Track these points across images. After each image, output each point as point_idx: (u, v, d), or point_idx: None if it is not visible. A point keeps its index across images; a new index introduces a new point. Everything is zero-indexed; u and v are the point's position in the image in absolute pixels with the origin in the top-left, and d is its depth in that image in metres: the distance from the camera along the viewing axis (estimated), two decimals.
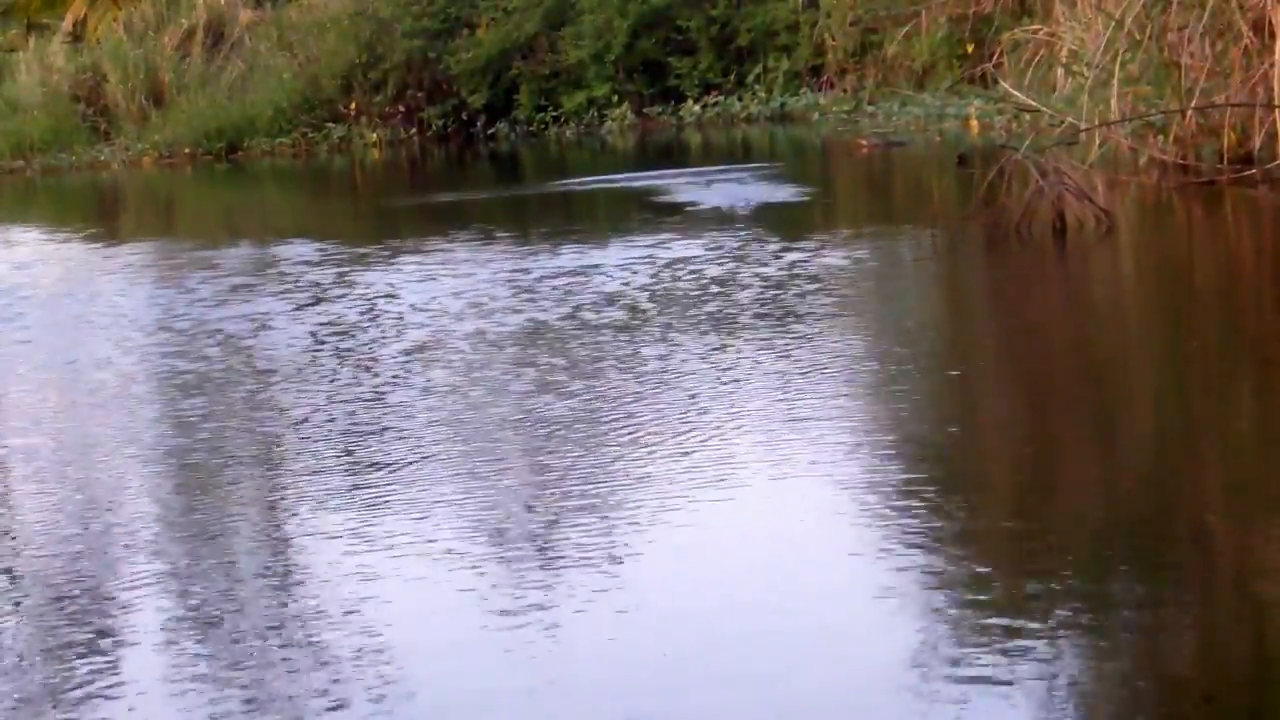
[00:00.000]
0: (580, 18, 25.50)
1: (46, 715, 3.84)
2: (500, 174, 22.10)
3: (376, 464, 5.84)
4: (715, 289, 9.13)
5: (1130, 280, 9.47)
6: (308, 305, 9.90)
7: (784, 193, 14.60)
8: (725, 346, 7.54)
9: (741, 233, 11.68)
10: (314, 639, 4.17)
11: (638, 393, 6.65)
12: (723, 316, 8.30)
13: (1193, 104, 12.48)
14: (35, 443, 6.86)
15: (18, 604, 4.65)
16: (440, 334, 8.49)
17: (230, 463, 6.18)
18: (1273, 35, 12.13)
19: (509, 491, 5.41)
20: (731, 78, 24.83)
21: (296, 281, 11.04)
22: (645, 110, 25.30)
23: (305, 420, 6.70)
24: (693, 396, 6.49)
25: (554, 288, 9.64)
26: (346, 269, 11.57)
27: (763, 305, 8.54)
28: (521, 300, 9.31)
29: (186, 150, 27.32)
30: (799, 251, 10.45)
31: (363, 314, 9.35)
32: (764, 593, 4.26)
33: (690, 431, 5.92)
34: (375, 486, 5.53)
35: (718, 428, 5.96)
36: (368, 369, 7.71)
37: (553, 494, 5.29)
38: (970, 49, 20.28)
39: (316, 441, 6.32)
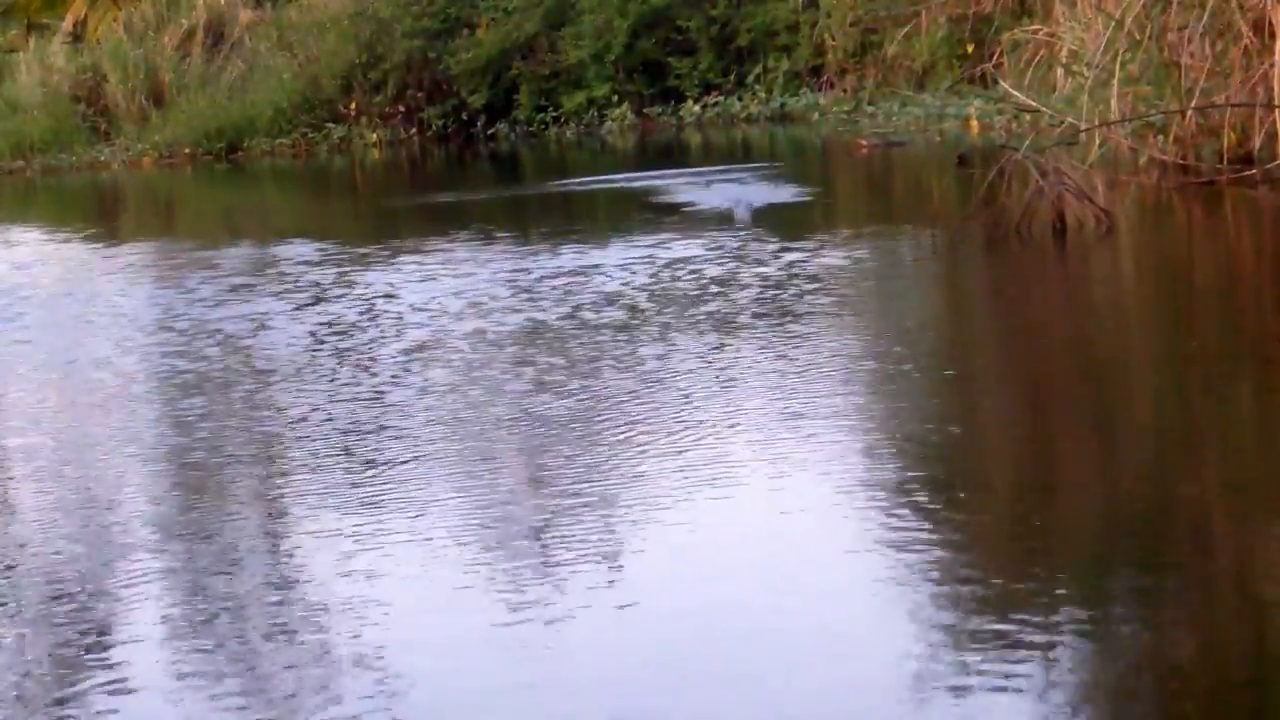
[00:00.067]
0: (580, 18, 25.50)
1: (46, 714, 3.84)
2: (500, 174, 22.10)
3: (375, 463, 5.84)
4: (715, 289, 9.13)
5: (1130, 280, 9.47)
6: (307, 305, 9.89)
7: (784, 193, 14.60)
8: (724, 346, 7.54)
9: (741, 233, 11.68)
10: (313, 637, 4.16)
11: (636, 392, 6.65)
12: (722, 316, 8.30)
13: (1193, 104, 12.48)
14: (35, 442, 6.86)
15: (17, 603, 4.64)
16: (440, 334, 8.48)
17: (230, 462, 6.18)
18: (1273, 35, 12.12)
19: (507, 490, 5.41)
20: (731, 78, 24.83)
21: (296, 281, 11.04)
22: (645, 110, 25.29)
23: (304, 419, 6.70)
24: (691, 396, 6.49)
25: (554, 288, 9.64)
26: (346, 269, 11.57)
27: (762, 305, 8.54)
28: (521, 300, 9.31)
29: (186, 150, 27.31)
30: (799, 251, 10.44)
31: (362, 314, 9.35)
32: (762, 591, 4.26)
33: (689, 431, 5.92)
34: (374, 485, 5.53)
35: (716, 427, 5.96)
36: (367, 369, 7.71)
37: (551, 492, 5.29)
38: (970, 49, 20.27)
39: (316, 440, 6.31)
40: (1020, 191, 10.23)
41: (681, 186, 15.44)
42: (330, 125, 27.02)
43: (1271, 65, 12.05)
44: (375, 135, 26.62)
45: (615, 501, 5.13)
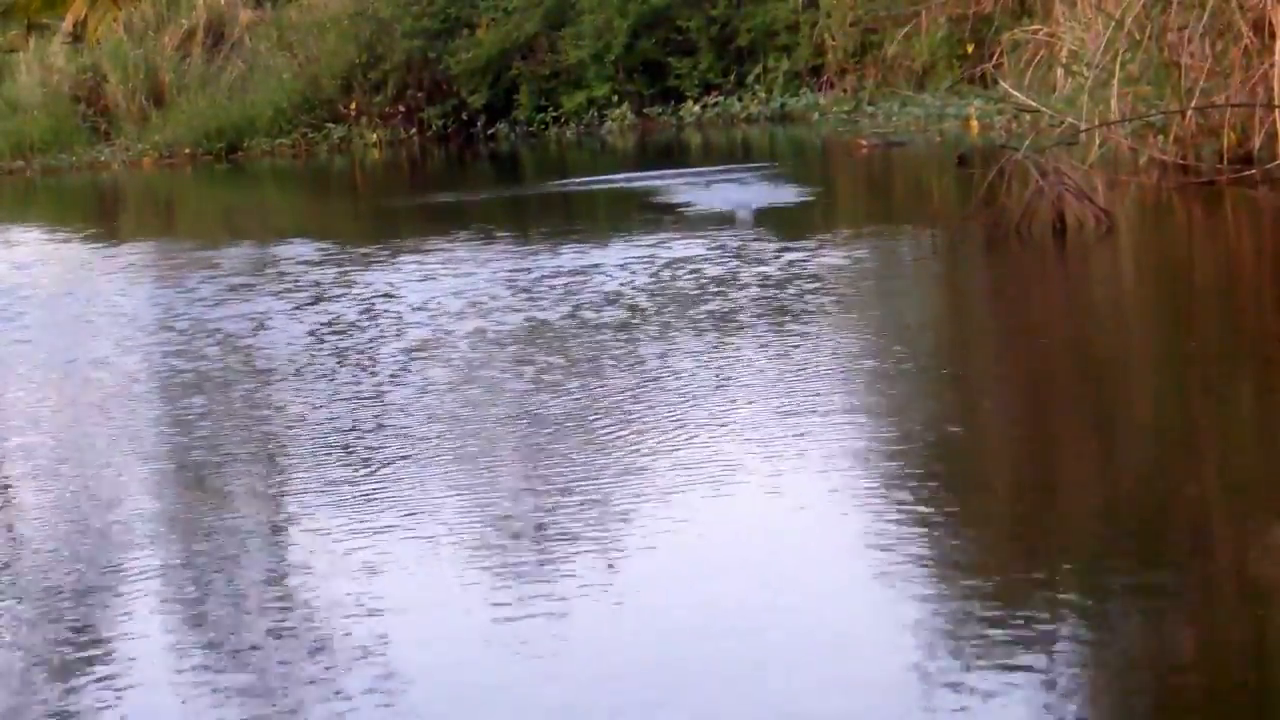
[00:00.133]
0: (580, 18, 25.50)
1: (46, 712, 3.84)
2: (500, 174, 22.10)
3: (375, 461, 5.84)
4: (714, 288, 9.13)
5: (1130, 280, 9.47)
6: (307, 305, 9.90)
7: (784, 193, 14.60)
8: (724, 345, 7.54)
9: (741, 233, 11.68)
10: (313, 634, 4.17)
11: (636, 391, 6.65)
12: (722, 316, 8.30)
13: (1193, 104, 12.48)
14: (35, 442, 6.86)
15: (17, 602, 4.64)
16: (440, 333, 8.49)
17: (230, 461, 6.18)
18: (1273, 35, 12.13)
19: (507, 488, 5.41)
20: (731, 78, 24.83)
21: (296, 281, 11.05)
22: (645, 110, 25.30)
23: (304, 418, 6.70)
24: (691, 395, 6.49)
25: (554, 287, 9.64)
26: (346, 269, 11.58)
27: (762, 305, 8.54)
28: (521, 299, 9.32)
29: (186, 150, 27.32)
30: (798, 251, 10.45)
31: (362, 313, 9.35)
32: (760, 589, 4.26)
33: (688, 429, 5.92)
34: (374, 483, 5.53)
35: (716, 426, 5.96)
36: (367, 368, 7.71)
37: (550, 490, 5.29)
38: (970, 49, 20.27)
39: (316, 439, 6.32)
40: (1020, 191, 10.23)
41: (681, 187, 15.44)
42: (330, 125, 27.02)
43: (1271, 65, 12.05)
44: (375, 135, 26.62)
45: (614, 499, 5.13)
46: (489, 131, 26.22)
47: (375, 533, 4.97)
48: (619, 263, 10.45)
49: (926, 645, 3.78)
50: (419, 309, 9.30)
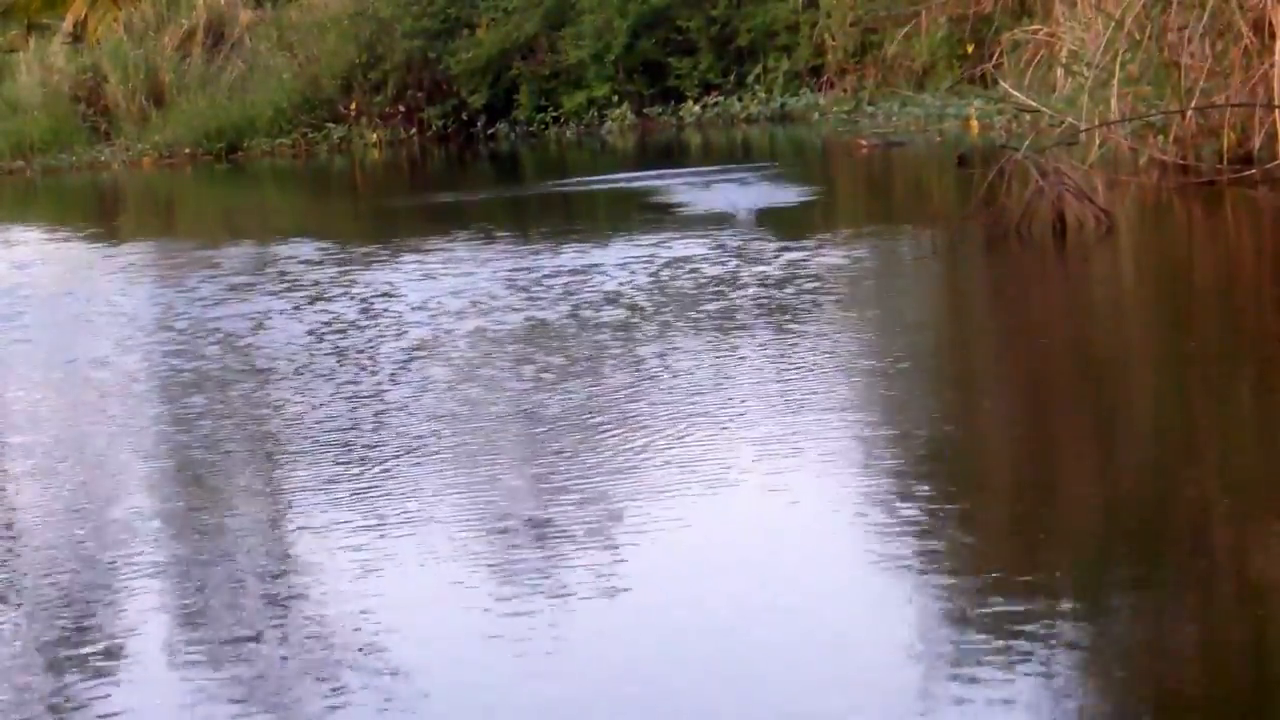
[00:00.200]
0: (580, 18, 25.50)
1: (46, 710, 3.84)
2: (500, 174, 22.10)
3: (375, 460, 5.84)
4: (714, 288, 9.13)
5: (1130, 280, 9.47)
6: (308, 304, 9.90)
7: (784, 193, 14.60)
8: (723, 345, 7.54)
9: (741, 233, 11.68)
10: (313, 632, 4.17)
11: (635, 390, 6.65)
12: (722, 315, 8.30)
13: (1193, 104, 12.48)
14: (34, 441, 6.86)
15: (16, 602, 4.64)
16: (440, 332, 8.49)
17: (230, 459, 6.18)
18: (1273, 35, 12.12)
19: (507, 487, 5.41)
20: (731, 78, 24.83)
21: (297, 281, 11.05)
22: (645, 110, 25.30)
23: (305, 417, 6.70)
24: (691, 394, 6.49)
25: (554, 287, 9.64)
26: (347, 268, 11.58)
27: (762, 304, 8.54)
28: (521, 299, 9.32)
29: (186, 150, 27.32)
30: (798, 251, 10.45)
31: (362, 313, 9.35)
32: (761, 588, 4.26)
33: (688, 429, 5.92)
34: (374, 482, 5.53)
35: (715, 425, 5.96)
36: (367, 367, 7.71)
37: (550, 489, 5.29)
38: (970, 49, 20.27)
39: (316, 438, 6.32)
40: (1020, 191, 10.23)
41: (682, 187, 15.45)
42: (330, 125, 27.03)
43: (1271, 65, 12.05)
44: (375, 135, 26.63)
45: (613, 498, 5.13)
46: (489, 131, 26.23)
47: (375, 531, 4.97)
48: (619, 262, 10.45)
49: (926, 645, 3.78)
50: (419, 308, 9.30)
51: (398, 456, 5.90)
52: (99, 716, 3.79)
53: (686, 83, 25.09)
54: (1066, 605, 3.94)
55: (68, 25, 32.03)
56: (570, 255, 11.10)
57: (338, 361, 7.93)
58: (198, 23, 28.89)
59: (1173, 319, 7.94)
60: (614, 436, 5.92)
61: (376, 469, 5.73)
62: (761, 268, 9.74)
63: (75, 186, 26.08)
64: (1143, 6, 12.93)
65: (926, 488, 5.03)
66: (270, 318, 9.45)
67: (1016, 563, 4.37)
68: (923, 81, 21.43)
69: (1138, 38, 12.95)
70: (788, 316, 8.17)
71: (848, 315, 8.40)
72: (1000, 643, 3.74)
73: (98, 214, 21.57)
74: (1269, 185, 11.30)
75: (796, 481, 5.24)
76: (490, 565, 4.61)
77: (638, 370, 7.08)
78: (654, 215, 13.63)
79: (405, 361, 7.76)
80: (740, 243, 11.04)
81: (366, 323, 9.01)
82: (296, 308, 9.78)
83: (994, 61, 18.56)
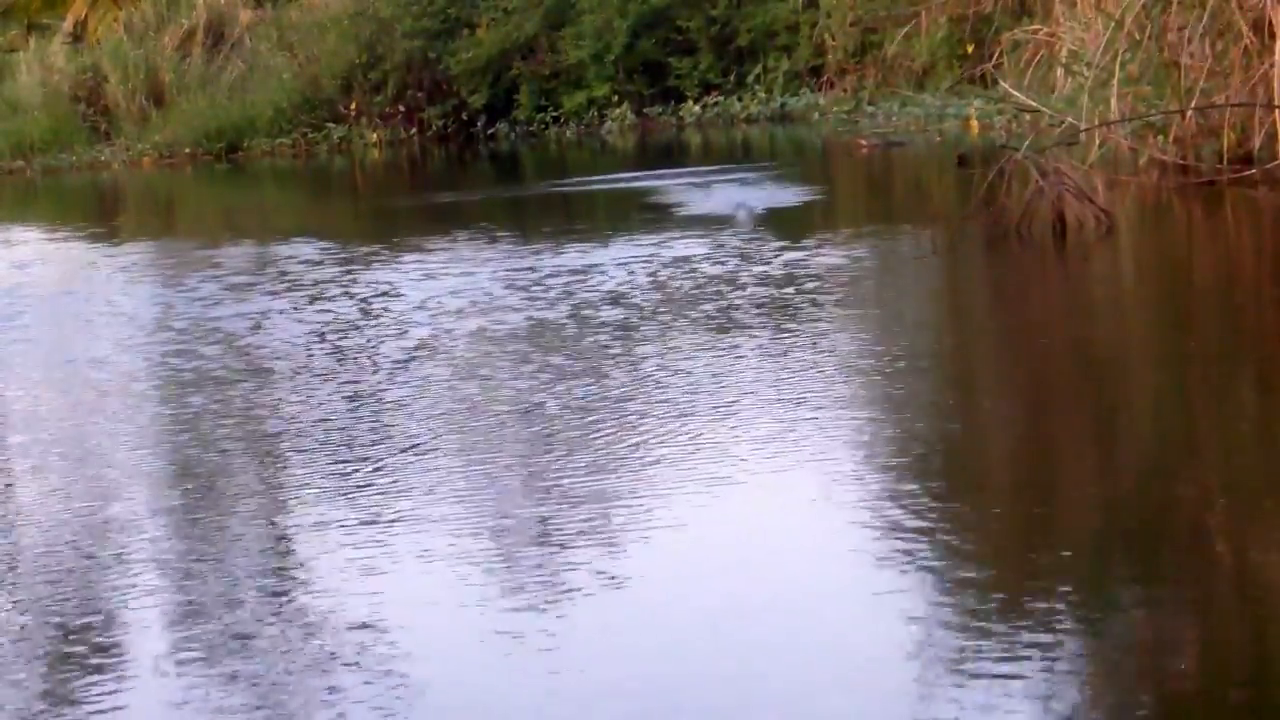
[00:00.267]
0: (580, 18, 25.50)
1: (45, 710, 3.84)
2: (500, 174, 22.10)
3: (376, 459, 5.84)
4: (715, 288, 9.13)
5: (1130, 280, 9.46)
6: (308, 304, 9.90)
7: (784, 193, 14.60)
8: (723, 345, 7.54)
9: (742, 233, 11.68)
10: (313, 632, 4.17)
11: (636, 390, 6.65)
12: (722, 315, 8.30)
13: (1193, 104, 12.47)
14: (34, 440, 6.86)
15: (15, 602, 4.64)
16: (441, 332, 8.49)
17: (230, 459, 6.19)
18: (1273, 35, 12.12)
19: (507, 487, 5.41)
20: (731, 78, 24.83)
21: (297, 281, 11.05)
22: (645, 110, 25.29)
23: (305, 417, 6.70)
24: (690, 394, 6.49)
25: (555, 286, 9.64)
26: (347, 268, 11.58)
27: (762, 304, 8.54)
28: (521, 299, 9.32)
29: (187, 150, 27.32)
30: (799, 251, 10.45)
31: (363, 312, 9.35)
32: (761, 587, 4.26)
33: (688, 429, 5.92)
34: (374, 481, 5.53)
35: (716, 425, 5.96)
36: (368, 367, 7.71)
37: (550, 489, 5.29)
38: (970, 49, 20.27)
39: (316, 437, 6.31)
40: (1020, 191, 10.23)
41: (682, 187, 15.45)
42: (330, 125, 27.03)
43: (1271, 65, 12.05)
44: (375, 135, 26.62)
45: (614, 497, 5.13)
46: (489, 131, 26.22)
47: (374, 530, 4.97)
48: (619, 262, 10.45)
49: (926, 644, 3.78)
50: (419, 308, 9.30)
51: (399, 457, 5.89)
52: (98, 715, 3.79)
53: (686, 83, 25.09)
54: (1066, 604, 3.94)
55: (68, 25, 32.03)
56: (570, 255, 11.10)
57: (338, 361, 7.93)
58: (198, 23, 28.89)
59: (1173, 319, 7.94)
60: (613, 436, 5.92)
61: (376, 468, 5.74)
62: (761, 268, 9.74)
63: (75, 186, 26.08)
64: (1143, 6, 12.93)
65: (926, 487, 5.03)
66: (270, 317, 9.45)
67: (1016, 561, 4.37)
68: (923, 81, 21.43)
69: (1138, 38, 12.95)
70: (787, 316, 8.17)
71: (847, 315, 8.40)
72: (1001, 642, 3.74)
73: (98, 214, 21.57)
74: (1269, 185, 11.29)
75: (796, 480, 5.24)
76: (489, 564, 4.61)
77: (637, 370, 7.08)
78: (654, 215, 13.63)
79: (405, 361, 7.76)
80: (740, 243, 11.04)
81: (367, 322, 9.01)
82: (296, 307, 9.78)
83: (994, 61, 18.55)
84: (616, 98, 25.32)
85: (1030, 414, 6.16)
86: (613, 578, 4.41)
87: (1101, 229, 10.06)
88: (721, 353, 7.36)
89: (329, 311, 9.48)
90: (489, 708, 3.67)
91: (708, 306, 8.58)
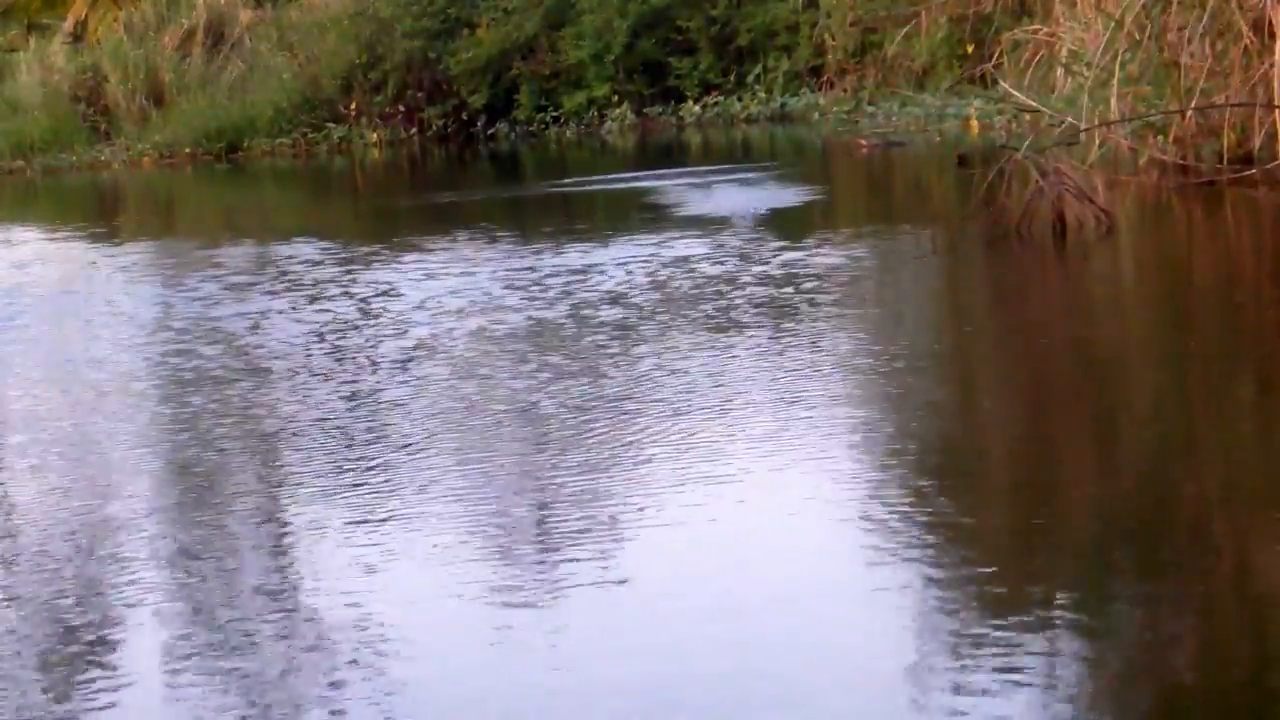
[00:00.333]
0: (580, 18, 25.50)
1: (45, 710, 3.84)
2: (500, 174, 22.10)
3: (376, 459, 5.84)
4: (715, 288, 9.13)
5: (1130, 280, 9.46)
6: (308, 303, 9.90)
7: (784, 193, 14.60)
8: (723, 344, 7.54)
9: (741, 233, 11.68)
10: (312, 632, 4.17)
11: (635, 390, 6.65)
12: (722, 315, 8.30)
13: (1193, 104, 12.47)
14: (33, 440, 6.86)
15: (14, 601, 4.64)
16: (441, 331, 8.48)
17: (229, 459, 6.18)
18: (1273, 35, 12.12)
19: (506, 486, 5.41)
20: (731, 78, 24.83)
21: (297, 280, 11.05)
22: (645, 110, 25.30)
23: (305, 416, 6.70)
24: (689, 393, 6.49)
25: (554, 286, 9.64)
26: (347, 268, 11.57)
27: (762, 304, 8.54)
28: (521, 299, 9.31)
29: (187, 150, 27.33)
30: (798, 251, 10.45)
31: (363, 312, 9.35)
32: (761, 587, 4.26)
33: (687, 428, 5.91)
34: (374, 481, 5.53)
35: (715, 424, 5.96)
36: (368, 366, 7.71)
37: (550, 488, 5.29)
38: (970, 49, 20.27)
39: (316, 436, 6.31)
40: (1020, 191, 10.22)
41: (682, 187, 15.45)
42: (330, 125, 27.03)
43: (1271, 65, 12.05)
44: (375, 135, 26.63)
45: (613, 497, 5.13)
46: (489, 131, 26.23)
47: (374, 529, 4.97)
48: (619, 262, 10.45)
49: (926, 643, 3.78)
50: (419, 308, 9.29)
51: (396, 453, 5.90)
52: (97, 713, 3.79)
53: (686, 83, 25.09)
54: (1067, 604, 3.94)
55: (68, 25, 32.03)
56: (570, 255, 11.10)
57: (337, 361, 7.93)
58: (198, 23, 28.89)
59: (1173, 319, 7.94)
60: (612, 435, 5.92)
61: (375, 466, 5.73)
62: (761, 268, 9.73)
63: (75, 186, 26.08)
64: (1143, 6, 12.93)
65: (924, 486, 5.03)
66: (269, 317, 9.45)
67: (1014, 560, 4.37)
68: (923, 81, 21.43)
69: (1138, 38, 12.95)
70: (788, 317, 8.16)
71: (847, 315, 8.40)
72: (1000, 641, 3.73)
73: (98, 214, 21.57)
74: (1269, 185, 11.29)
75: (794, 479, 5.24)
76: (488, 562, 4.61)
77: (636, 369, 7.08)
78: (654, 215, 13.63)
79: (405, 361, 7.76)
80: (740, 243, 11.04)
81: (366, 322, 9.01)
82: (295, 307, 9.78)
83: (994, 61, 18.55)
84: (616, 98, 25.33)
85: (1030, 413, 6.16)
86: (611, 576, 4.41)
87: (1101, 229, 10.06)
88: (720, 352, 7.36)
89: (329, 311, 9.48)
90: (488, 706, 3.67)
91: (707, 306, 8.58)
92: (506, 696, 3.70)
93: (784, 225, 12.20)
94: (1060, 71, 15.84)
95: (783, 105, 24.01)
